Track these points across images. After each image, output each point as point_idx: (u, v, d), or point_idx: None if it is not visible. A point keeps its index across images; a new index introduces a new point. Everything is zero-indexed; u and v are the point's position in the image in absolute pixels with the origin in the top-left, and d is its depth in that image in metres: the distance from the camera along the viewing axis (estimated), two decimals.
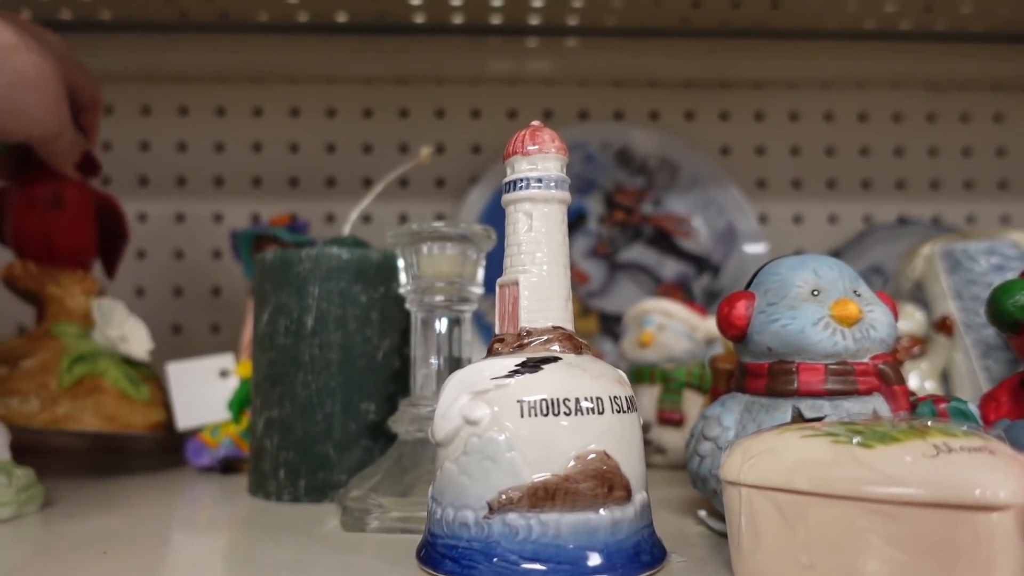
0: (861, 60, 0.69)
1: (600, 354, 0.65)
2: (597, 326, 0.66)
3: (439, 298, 0.35)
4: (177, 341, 0.68)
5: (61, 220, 0.49)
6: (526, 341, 0.26)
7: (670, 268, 0.67)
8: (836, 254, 0.69)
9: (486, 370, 0.25)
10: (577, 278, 0.67)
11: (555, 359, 0.25)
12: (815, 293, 0.29)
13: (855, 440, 0.20)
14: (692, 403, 0.49)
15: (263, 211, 0.69)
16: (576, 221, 0.68)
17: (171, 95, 0.69)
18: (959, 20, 0.65)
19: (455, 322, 0.36)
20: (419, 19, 0.65)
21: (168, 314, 0.68)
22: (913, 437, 0.20)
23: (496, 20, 0.66)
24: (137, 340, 0.50)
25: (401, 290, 0.36)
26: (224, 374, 0.52)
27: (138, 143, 0.69)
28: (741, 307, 0.30)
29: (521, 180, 0.27)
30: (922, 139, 0.71)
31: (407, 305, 0.36)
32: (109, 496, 0.41)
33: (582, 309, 0.66)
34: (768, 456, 0.22)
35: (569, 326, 0.27)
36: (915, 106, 0.71)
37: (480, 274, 0.36)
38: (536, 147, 0.27)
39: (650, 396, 0.50)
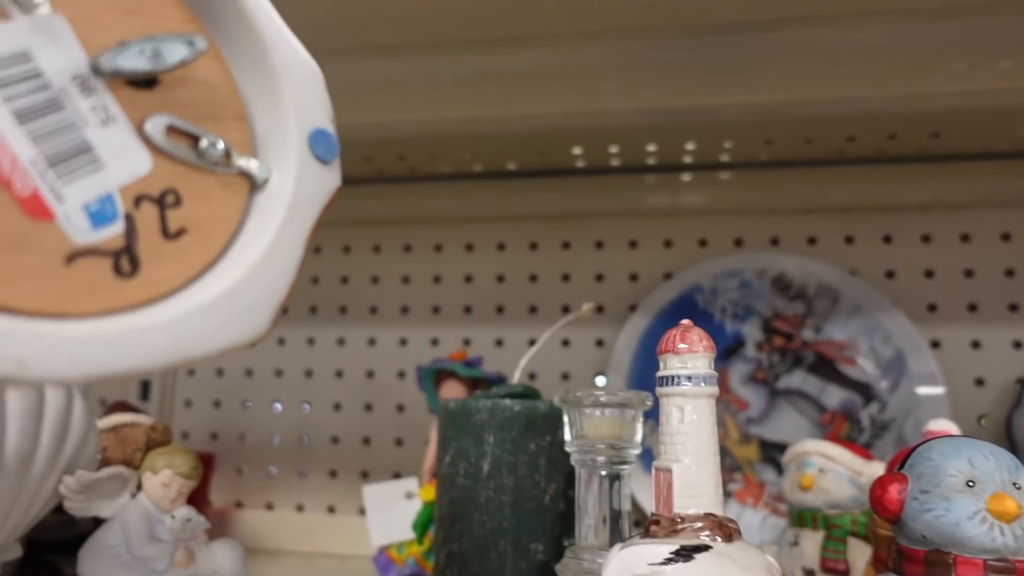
0: None
1: (762, 485, 0.65)
2: (758, 454, 0.66)
3: (601, 458, 0.39)
4: (367, 451, 0.76)
5: None
6: (679, 527, 0.29)
7: (834, 396, 0.66)
8: (1023, 382, 0.64)
9: (644, 555, 0.28)
10: (736, 404, 0.68)
11: (707, 547, 0.28)
12: (970, 484, 0.30)
13: None
14: (858, 552, 0.48)
15: (441, 336, 0.77)
16: (734, 347, 0.69)
17: (365, 236, 0.80)
18: None
19: (615, 478, 0.40)
20: (580, 164, 0.72)
21: (360, 428, 0.77)
22: None
23: (652, 160, 0.71)
24: None
25: (567, 447, 0.41)
26: (409, 496, 0.59)
27: (339, 277, 0.80)
28: (893, 491, 0.31)
29: (673, 377, 0.31)
30: None
31: (572, 460, 0.41)
32: None
33: (742, 436, 0.67)
34: None
35: (720, 512, 0.29)
36: None
37: (639, 434, 0.40)
38: (686, 346, 0.31)
39: (813, 542, 0.50)
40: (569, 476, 0.45)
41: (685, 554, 0.28)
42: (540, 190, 0.75)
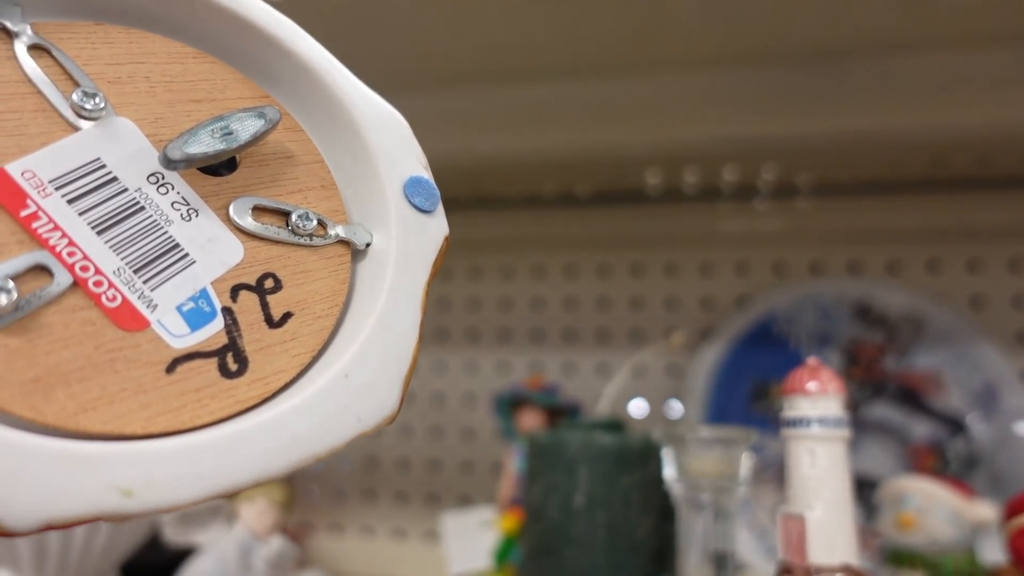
0: None
1: None
2: None
3: (705, 495, 0.38)
4: (436, 476, 0.76)
5: None
6: None
7: (920, 429, 0.64)
8: None
9: None
10: None
11: None
12: None
13: None
14: None
15: (511, 360, 0.76)
16: None
17: None
18: None
19: (720, 516, 0.39)
20: (653, 188, 0.71)
21: (428, 452, 0.77)
22: None
23: (727, 185, 0.70)
24: None
25: (669, 484, 0.40)
26: (487, 525, 0.58)
27: None
28: None
29: (803, 419, 0.30)
30: None
31: (674, 498, 0.40)
32: None
33: None
34: None
35: (856, 561, 0.28)
36: None
37: (744, 471, 0.39)
38: (816, 386, 0.30)
39: None
40: (662, 511, 0.44)
41: None
42: (611, 214, 0.75)
